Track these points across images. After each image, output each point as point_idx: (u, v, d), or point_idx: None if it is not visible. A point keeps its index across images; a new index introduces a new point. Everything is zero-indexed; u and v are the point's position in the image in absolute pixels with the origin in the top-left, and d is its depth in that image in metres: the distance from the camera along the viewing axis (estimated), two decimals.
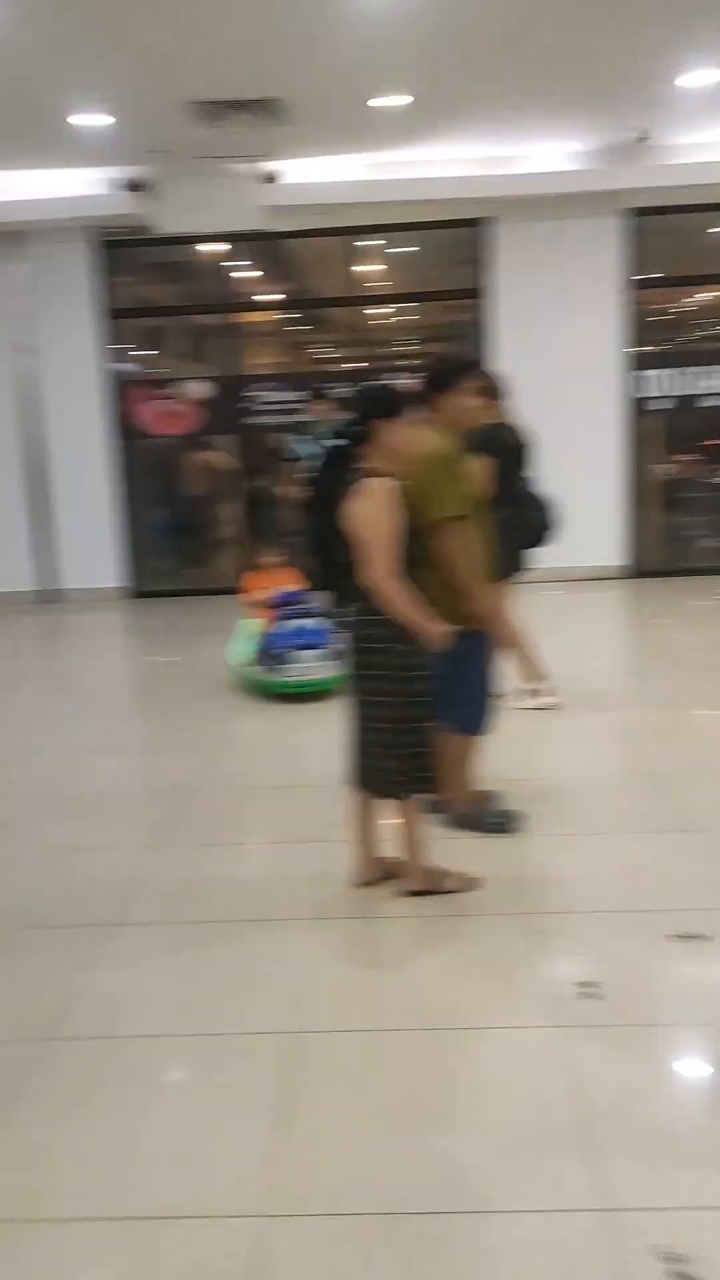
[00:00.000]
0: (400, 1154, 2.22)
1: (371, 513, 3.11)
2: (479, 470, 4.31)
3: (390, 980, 2.93)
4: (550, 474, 8.32)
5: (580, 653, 6.71)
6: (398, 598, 3.14)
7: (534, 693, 5.42)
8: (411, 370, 9.58)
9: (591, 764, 4.67)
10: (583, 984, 2.83)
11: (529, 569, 5.02)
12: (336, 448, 3.26)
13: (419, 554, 3.23)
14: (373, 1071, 2.51)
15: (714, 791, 4.27)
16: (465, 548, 3.46)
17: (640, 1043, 2.59)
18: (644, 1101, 2.35)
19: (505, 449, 4.83)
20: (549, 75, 6.91)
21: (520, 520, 4.84)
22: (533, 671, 5.41)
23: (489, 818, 3.93)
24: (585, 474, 9.10)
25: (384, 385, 3.35)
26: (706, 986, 2.83)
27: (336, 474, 3.24)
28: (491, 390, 4.88)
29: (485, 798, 3.99)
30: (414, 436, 3.26)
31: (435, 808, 3.83)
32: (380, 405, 3.19)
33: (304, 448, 7.03)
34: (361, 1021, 2.72)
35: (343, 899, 3.43)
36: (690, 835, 3.79)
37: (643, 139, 8.25)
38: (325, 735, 4.93)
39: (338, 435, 3.22)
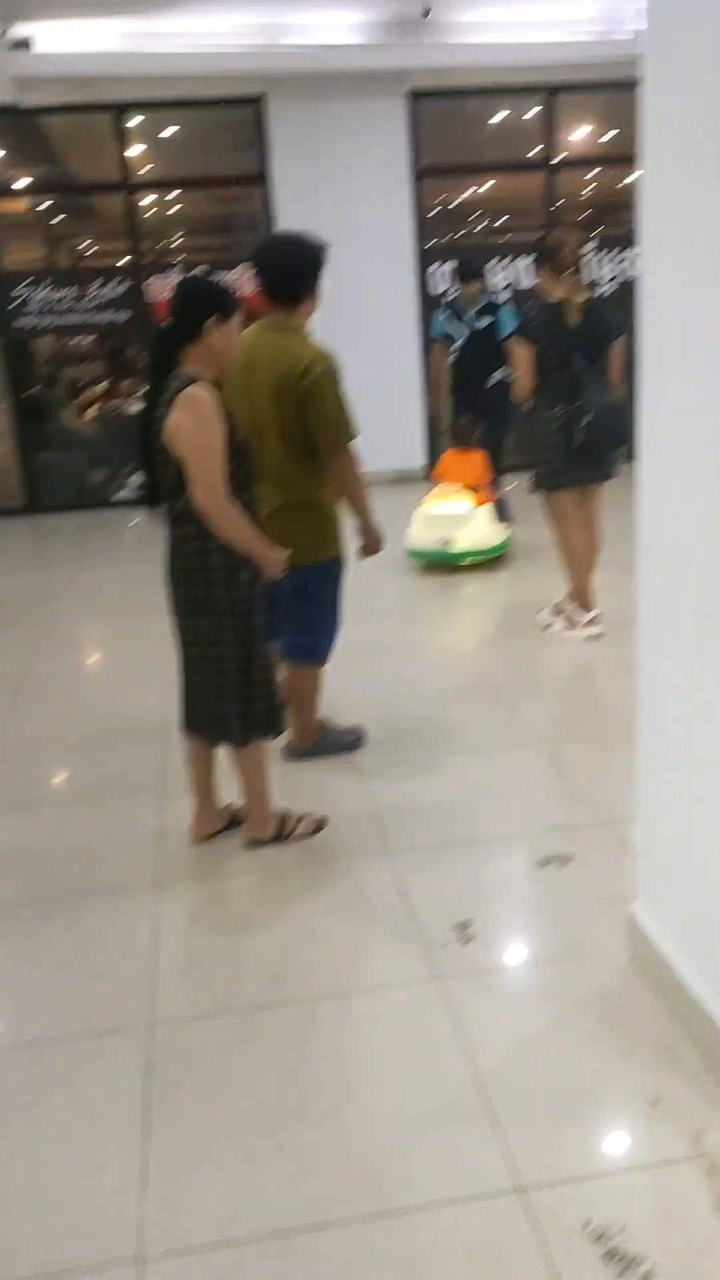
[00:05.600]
0: (289, 1157, 1.98)
1: (195, 425, 2.70)
2: (519, 356, 4.45)
3: (248, 947, 2.65)
4: (349, 373, 7.93)
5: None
6: (232, 522, 2.77)
7: (572, 620, 4.83)
8: (189, 265, 8.97)
9: (406, 682, 4.50)
10: (458, 925, 2.66)
11: (601, 473, 4.60)
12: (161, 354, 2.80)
13: (245, 474, 2.86)
14: (244, 1061, 2.24)
15: (543, 703, 4.20)
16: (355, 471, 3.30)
17: (520, 986, 2.45)
18: (534, 1053, 2.21)
19: (552, 333, 4.42)
20: None
21: (573, 419, 4.44)
22: (583, 596, 4.83)
23: (340, 739, 3.73)
24: (384, 371, 8.82)
25: (210, 279, 2.87)
26: (576, 914, 2.71)
27: (158, 380, 2.77)
28: (551, 257, 4.44)
29: (323, 724, 3.77)
30: (238, 341, 2.85)
31: (286, 748, 3.62)
32: (209, 301, 2.75)
33: (450, 328, 6.91)
34: (224, 1000, 2.45)
35: (186, 857, 3.12)
36: (531, 750, 3.70)
37: (427, 12, 7.82)
38: (152, 671, 4.55)
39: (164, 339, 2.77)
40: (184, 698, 3.06)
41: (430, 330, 7.39)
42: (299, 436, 3.23)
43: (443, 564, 6.20)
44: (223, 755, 3.15)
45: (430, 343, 7.44)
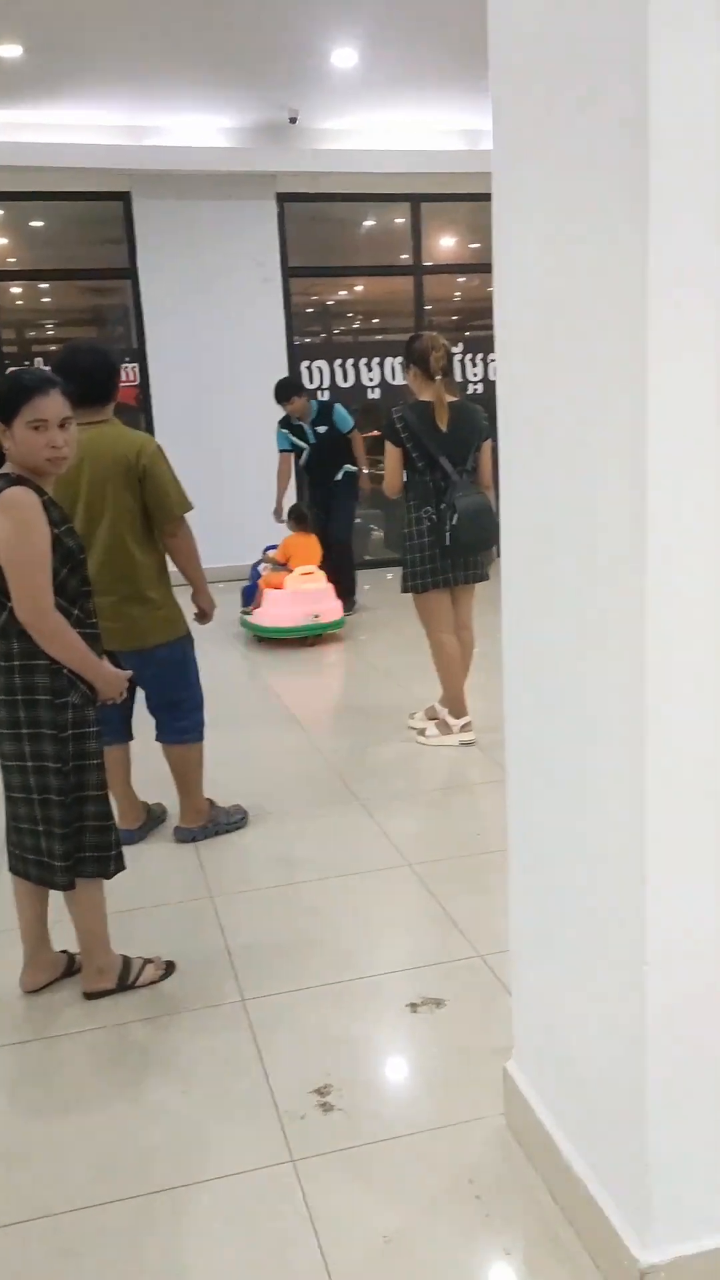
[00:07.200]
0: None
1: (15, 529, 2.42)
2: (388, 457, 4.44)
3: (75, 1131, 2.29)
4: (221, 468, 7.97)
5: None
6: (60, 637, 2.48)
7: (445, 725, 4.64)
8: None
9: (270, 793, 4.23)
10: (318, 1090, 2.36)
11: (472, 574, 4.53)
12: None
13: (78, 586, 2.58)
14: (67, 1278, 1.89)
15: (415, 818, 3.98)
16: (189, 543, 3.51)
17: (385, 1166, 2.16)
18: (399, 1254, 1.92)
19: (420, 435, 4.34)
20: (183, 40, 6.36)
21: (440, 520, 4.36)
22: (455, 701, 4.65)
23: (227, 818, 3.81)
24: (254, 465, 8.72)
25: (13, 372, 2.64)
26: (449, 1070, 2.45)
27: None
28: (420, 360, 4.39)
29: (211, 804, 3.82)
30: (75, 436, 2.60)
31: (177, 832, 3.74)
32: (10, 398, 2.50)
33: (294, 440, 7.22)
34: (39, 1203, 2.08)
35: (11, 1015, 2.74)
36: (402, 871, 3.46)
37: (294, 118, 7.94)
38: None
39: None
40: (8, 832, 2.73)
41: (277, 444, 7.34)
42: (136, 521, 3.39)
43: (295, 640, 6.61)
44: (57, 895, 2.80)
45: (281, 454, 7.37)
